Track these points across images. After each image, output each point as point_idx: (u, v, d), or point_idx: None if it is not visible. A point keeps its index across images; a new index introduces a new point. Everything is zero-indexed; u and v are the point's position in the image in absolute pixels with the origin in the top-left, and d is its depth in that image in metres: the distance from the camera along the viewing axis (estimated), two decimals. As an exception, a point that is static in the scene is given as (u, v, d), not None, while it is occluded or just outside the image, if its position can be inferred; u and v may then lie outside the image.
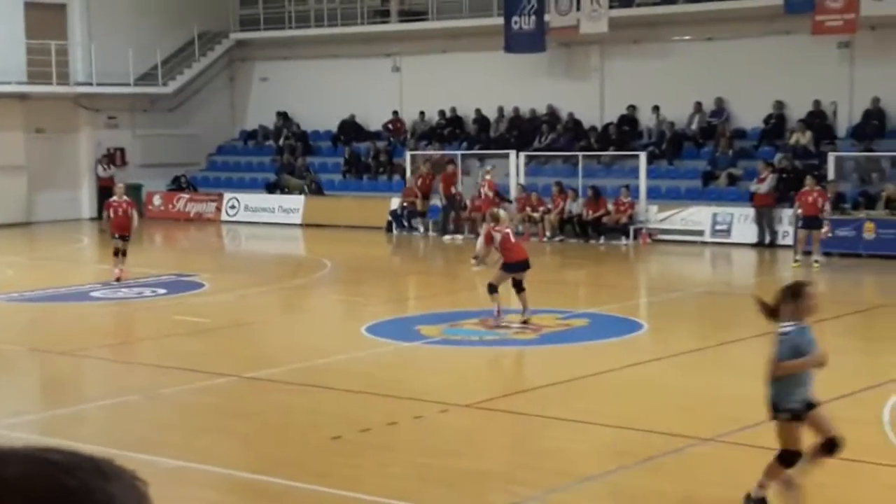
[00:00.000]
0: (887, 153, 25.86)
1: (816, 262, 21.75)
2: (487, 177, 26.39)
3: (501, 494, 8.44)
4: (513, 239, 15.88)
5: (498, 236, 15.75)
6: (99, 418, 11.57)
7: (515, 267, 15.71)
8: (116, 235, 20.43)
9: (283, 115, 35.82)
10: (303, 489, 8.70)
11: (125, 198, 20.85)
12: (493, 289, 15.65)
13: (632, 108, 29.80)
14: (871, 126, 26.34)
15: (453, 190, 28.41)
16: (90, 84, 33.79)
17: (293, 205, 32.44)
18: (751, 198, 25.99)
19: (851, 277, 21.48)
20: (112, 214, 20.45)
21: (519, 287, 15.70)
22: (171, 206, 34.58)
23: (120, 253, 20.38)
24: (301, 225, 31.83)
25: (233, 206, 33.55)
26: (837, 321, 16.79)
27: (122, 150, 35.32)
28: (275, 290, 20.54)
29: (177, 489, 8.99)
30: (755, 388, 12.24)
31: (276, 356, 14.01)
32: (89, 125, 34.82)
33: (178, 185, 35.11)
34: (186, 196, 34.55)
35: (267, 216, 32.70)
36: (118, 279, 20.12)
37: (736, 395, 11.65)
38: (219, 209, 33.64)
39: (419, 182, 29.53)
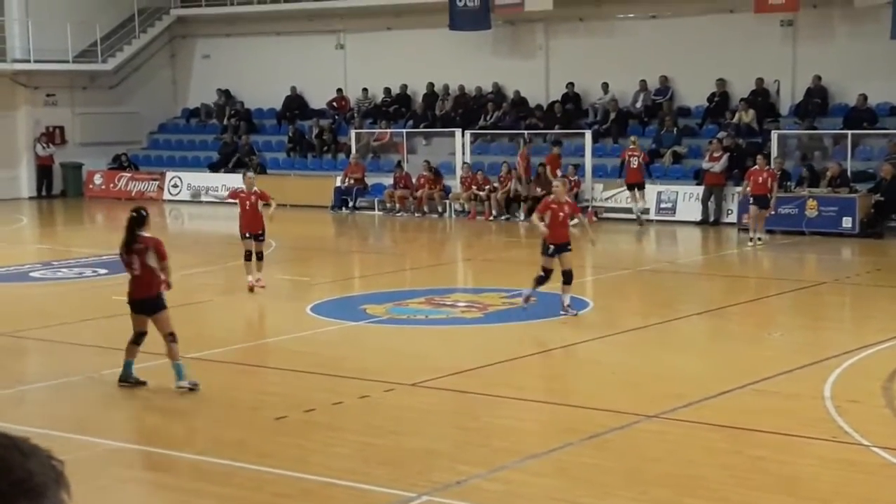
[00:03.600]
0: (829, 131, 26.13)
1: (759, 239, 21.96)
2: (635, 147, 25.27)
3: (447, 473, 8.40)
4: (560, 216, 14.58)
5: (551, 211, 14.65)
6: (39, 399, 11.38)
7: (550, 247, 14.61)
8: (247, 234, 17.13)
9: (225, 93, 35.42)
10: (247, 469, 8.61)
11: (255, 188, 17.25)
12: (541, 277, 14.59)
13: (570, 85, 29.75)
14: (814, 104, 26.59)
15: (559, 172, 25.83)
16: (28, 61, 33.15)
17: (237, 184, 32.05)
18: (696, 175, 26.14)
19: (794, 255, 21.70)
20: (240, 209, 17.18)
21: (564, 275, 14.48)
22: (112, 185, 34.10)
23: (254, 256, 16.98)
24: (245, 204, 31.46)
25: (175, 185, 33.14)
26: (780, 298, 16.96)
27: (61, 129, 34.74)
28: (218, 269, 20.33)
29: (118, 470, 8.86)
30: (699, 365, 12.36)
31: (220, 336, 13.86)
32: (28, 103, 34.19)
33: (119, 164, 34.62)
34: (128, 175, 34.08)
35: (210, 195, 32.31)
36: (251, 289, 16.86)
37: (680, 372, 11.72)
38: (161, 188, 33.22)
39: (523, 164, 26.77)
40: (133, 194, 33.46)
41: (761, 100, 27.30)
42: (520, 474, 8.46)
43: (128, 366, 11.23)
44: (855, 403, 10.20)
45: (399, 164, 29.36)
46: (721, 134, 26.49)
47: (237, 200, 17.32)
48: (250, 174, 18.26)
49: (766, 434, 9.38)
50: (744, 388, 10.80)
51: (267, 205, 17.02)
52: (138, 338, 11.19)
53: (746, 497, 7.88)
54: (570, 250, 14.73)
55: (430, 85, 31.79)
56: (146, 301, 11.05)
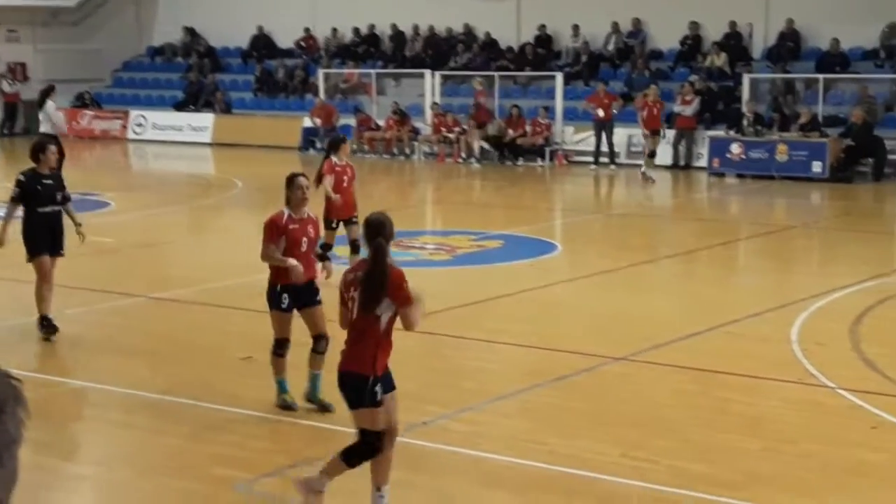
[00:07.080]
0: (801, 75, 26.06)
1: None
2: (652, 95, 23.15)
3: (414, 414, 8.34)
4: None
5: None
6: (1, 339, 11.20)
7: None
8: (335, 224, 12.59)
9: (190, 31, 34.86)
10: (212, 409, 8.51)
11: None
12: None
13: (542, 27, 29.48)
14: (787, 48, 26.49)
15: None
16: (-12, -5, 32.53)
17: (202, 123, 31.74)
18: (668, 119, 26.04)
19: (764, 199, 21.72)
20: (332, 186, 12.33)
21: None
22: (75, 123, 33.57)
23: (349, 246, 12.50)
24: (211, 144, 31.19)
25: (139, 125, 32.72)
26: (749, 242, 16.98)
27: (23, 65, 34.16)
28: (183, 209, 20.11)
29: (81, 409, 8.76)
30: (667, 308, 12.33)
31: (185, 276, 13.70)
32: (-12, 39, 33.62)
33: (82, 102, 34.11)
34: (91, 113, 33.59)
35: (175, 135, 31.96)
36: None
37: (647, 314, 11.71)
38: (125, 127, 32.80)
39: (645, 113, 23.58)
40: (97, 133, 33.02)
41: (734, 43, 27.16)
42: (487, 415, 8.42)
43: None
44: (821, 346, 10.22)
45: (357, 109, 28.88)
46: (693, 77, 26.37)
47: (332, 176, 12.37)
48: (345, 137, 13.42)
49: (733, 376, 9.38)
50: (712, 331, 10.80)
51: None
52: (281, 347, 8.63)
53: (712, 438, 7.88)
54: None
55: (399, 25, 31.41)
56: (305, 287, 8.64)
